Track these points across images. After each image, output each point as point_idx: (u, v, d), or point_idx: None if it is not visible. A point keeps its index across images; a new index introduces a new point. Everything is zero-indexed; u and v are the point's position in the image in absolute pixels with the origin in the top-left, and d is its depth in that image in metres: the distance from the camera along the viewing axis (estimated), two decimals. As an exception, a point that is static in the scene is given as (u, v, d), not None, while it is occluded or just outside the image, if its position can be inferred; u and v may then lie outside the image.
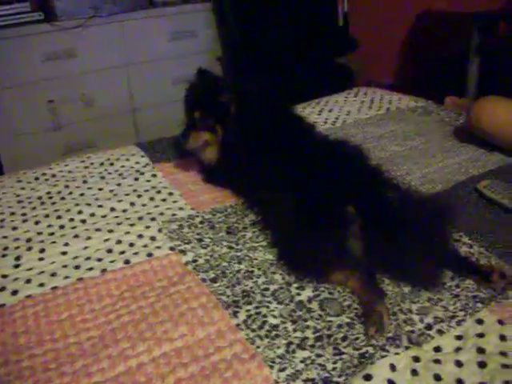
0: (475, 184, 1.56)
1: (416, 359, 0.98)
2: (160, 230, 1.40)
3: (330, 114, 2.24)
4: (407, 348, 1.00)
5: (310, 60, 3.50)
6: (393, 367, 0.96)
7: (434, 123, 2.10)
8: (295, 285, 1.18)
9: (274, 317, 1.08)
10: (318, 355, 0.99)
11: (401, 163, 1.74)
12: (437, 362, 0.97)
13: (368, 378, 0.94)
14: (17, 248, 1.37)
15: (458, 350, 1.00)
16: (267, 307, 1.11)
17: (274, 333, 1.05)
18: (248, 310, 1.10)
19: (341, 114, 2.25)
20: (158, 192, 1.62)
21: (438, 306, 1.10)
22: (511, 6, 2.85)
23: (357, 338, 1.03)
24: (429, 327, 1.05)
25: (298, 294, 1.15)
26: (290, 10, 3.40)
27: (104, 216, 1.50)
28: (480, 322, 1.05)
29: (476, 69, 2.82)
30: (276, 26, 3.39)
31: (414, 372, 0.95)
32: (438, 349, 1.00)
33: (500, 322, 1.05)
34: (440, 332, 1.04)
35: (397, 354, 0.99)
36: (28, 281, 1.23)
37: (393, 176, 1.50)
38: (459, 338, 1.02)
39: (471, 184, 1.58)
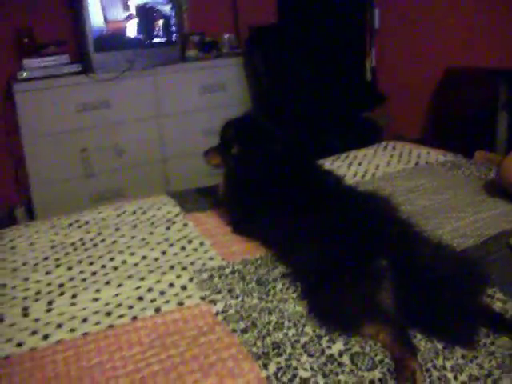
0: (507, 239, 1.54)
1: (451, 418, 0.95)
2: (191, 280, 1.41)
3: (360, 168, 2.26)
4: (442, 406, 0.98)
5: (338, 114, 3.55)
6: (427, 426, 0.94)
7: (464, 177, 2.10)
8: (326, 338, 1.16)
9: (305, 370, 1.07)
10: (350, 411, 0.97)
11: (431, 217, 1.73)
12: (473, 421, 0.95)
13: None
14: (49, 292, 1.39)
15: (494, 409, 0.97)
16: (298, 360, 1.10)
17: (304, 386, 1.03)
18: (278, 362, 1.09)
19: (370, 167, 2.26)
20: (190, 242, 1.64)
21: (473, 364, 1.07)
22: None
23: (389, 395, 1.01)
24: (464, 385, 1.02)
25: (329, 347, 1.13)
26: (319, 65, 3.48)
27: (136, 264, 1.52)
28: (517, 381, 1.03)
29: (505, 124, 2.83)
30: (305, 81, 3.46)
31: (450, 431, 0.92)
32: (473, 408, 0.98)
33: (538, 382, 1.02)
34: (475, 391, 1.01)
35: (431, 412, 0.97)
36: (59, 325, 1.24)
37: (423, 230, 1.49)
38: (496, 397, 1.00)
39: (503, 239, 1.56)
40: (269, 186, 1.60)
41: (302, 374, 1.06)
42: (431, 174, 2.15)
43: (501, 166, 1.83)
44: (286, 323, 1.22)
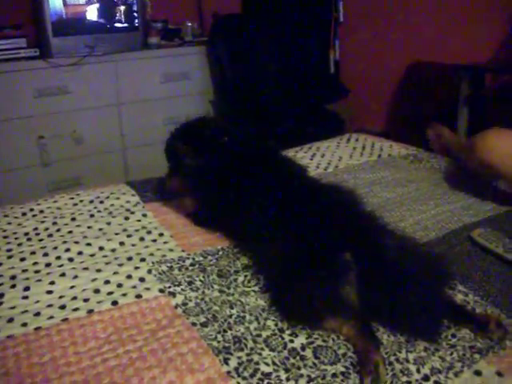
0: (469, 232, 1.55)
1: (413, 412, 0.94)
2: (150, 271, 1.37)
3: (322, 159, 2.24)
4: (404, 400, 0.97)
5: (301, 106, 3.54)
6: (390, 420, 0.92)
7: (425, 170, 2.11)
8: (288, 331, 1.14)
9: (267, 364, 1.04)
10: (312, 406, 0.95)
11: (393, 210, 1.74)
12: (435, 415, 0.94)
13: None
14: (0, 285, 1.32)
15: (456, 403, 0.97)
16: (259, 354, 1.07)
17: (266, 381, 1.00)
18: (239, 357, 1.06)
19: (333, 159, 2.25)
20: (149, 232, 1.59)
21: (435, 356, 1.07)
22: (497, 59, 2.93)
23: (352, 389, 0.99)
24: (426, 378, 1.01)
25: (291, 341, 1.11)
26: (283, 57, 3.46)
27: (92, 255, 1.46)
28: (478, 373, 1.02)
29: (465, 119, 2.86)
30: (269, 72, 3.44)
31: (412, 426, 0.91)
32: (435, 401, 0.97)
33: (499, 373, 1.02)
34: (437, 383, 1.01)
35: (393, 406, 0.95)
36: (10, 320, 1.18)
37: (387, 222, 1.48)
38: (457, 390, 0.99)
39: (464, 232, 1.57)
40: (231, 178, 1.55)
41: (264, 368, 1.04)
42: (393, 166, 2.15)
43: (473, 147, 1.76)
44: (248, 317, 1.19)
